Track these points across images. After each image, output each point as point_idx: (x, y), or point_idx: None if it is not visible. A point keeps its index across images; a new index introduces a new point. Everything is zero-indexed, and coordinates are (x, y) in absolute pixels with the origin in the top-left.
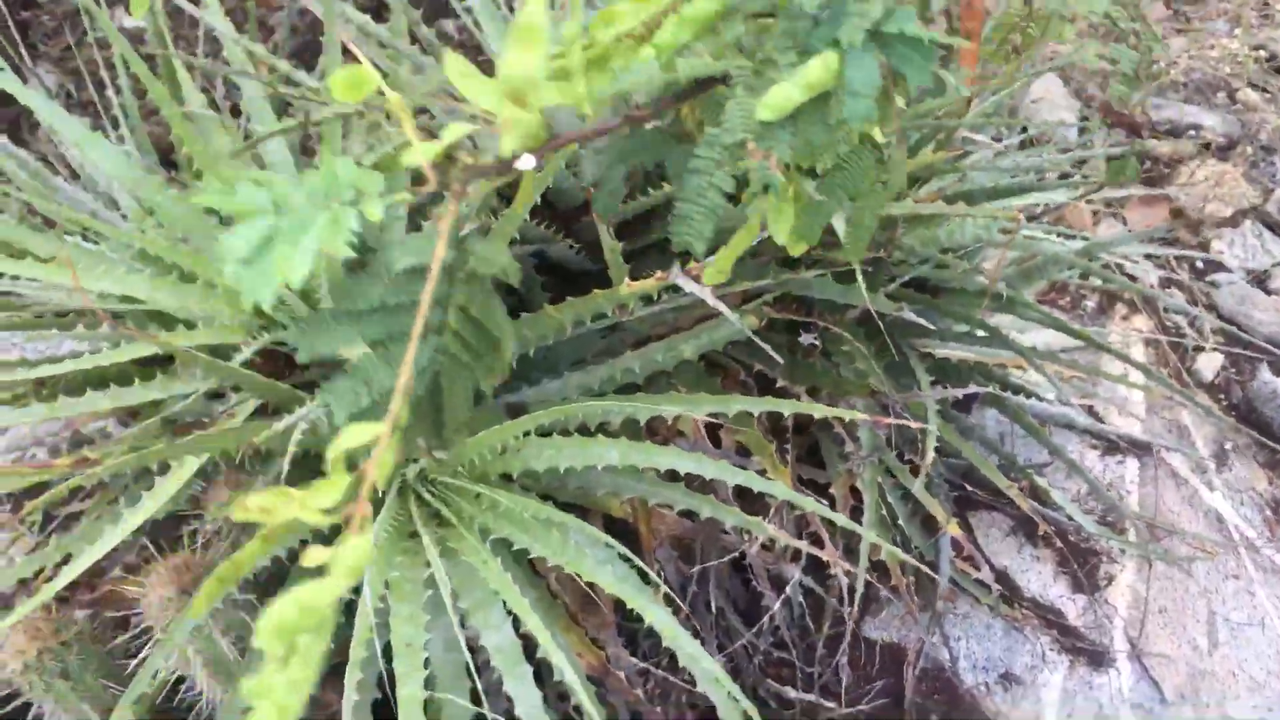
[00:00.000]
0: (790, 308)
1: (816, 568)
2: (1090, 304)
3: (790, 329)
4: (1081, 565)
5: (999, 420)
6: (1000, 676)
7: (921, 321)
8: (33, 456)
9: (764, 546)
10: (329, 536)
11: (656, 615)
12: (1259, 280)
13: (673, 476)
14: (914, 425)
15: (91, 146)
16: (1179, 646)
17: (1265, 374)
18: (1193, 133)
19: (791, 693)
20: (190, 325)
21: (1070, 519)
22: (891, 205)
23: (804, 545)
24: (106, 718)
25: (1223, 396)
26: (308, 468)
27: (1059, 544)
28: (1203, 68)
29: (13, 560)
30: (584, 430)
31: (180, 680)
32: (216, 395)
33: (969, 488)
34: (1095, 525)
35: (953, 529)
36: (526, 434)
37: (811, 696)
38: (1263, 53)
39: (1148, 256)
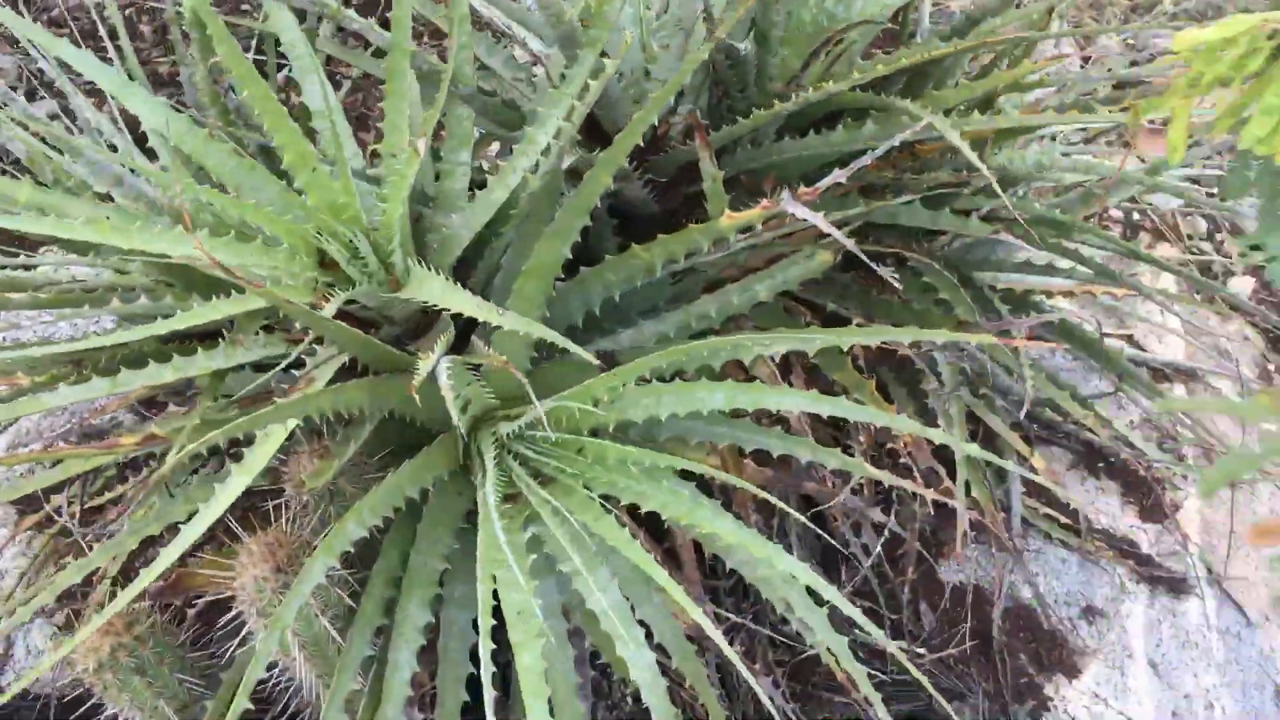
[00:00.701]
0: (867, 240)
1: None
2: (1113, 233)
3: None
4: (1146, 495)
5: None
6: (1083, 610)
7: (1012, 241)
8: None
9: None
10: (418, 503)
11: (798, 569)
12: None
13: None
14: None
15: (132, 98)
16: (1256, 569)
17: None
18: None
19: (880, 641)
20: (240, 290)
21: (1132, 447)
22: (980, 120)
23: (916, 485)
24: (186, 715)
25: (1257, 319)
26: (391, 430)
27: (1124, 473)
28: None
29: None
30: (661, 378)
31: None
32: (262, 367)
33: (1025, 422)
34: (1160, 453)
35: (1037, 461)
36: (625, 385)
37: (902, 644)
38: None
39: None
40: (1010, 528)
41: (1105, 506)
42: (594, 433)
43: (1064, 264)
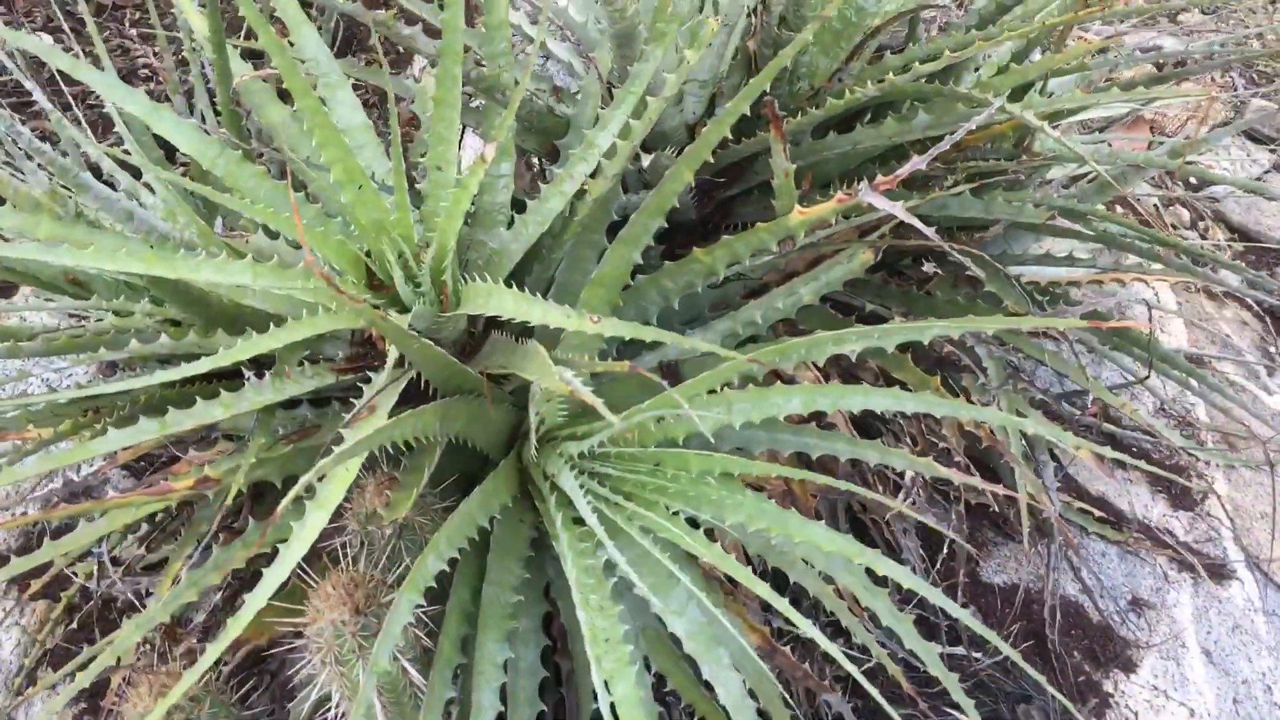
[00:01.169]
0: (908, 237)
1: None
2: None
3: (899, 257)
4: (1174, 483)
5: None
6: (1130, 603)
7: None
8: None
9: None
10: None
11: (899, 573)
12: (1256, 189)
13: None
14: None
15: (160, 120)
16: None
17: None
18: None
19: (938, 647)
20: (280, 320)
21: (1151, 436)
22: (1042, 102)
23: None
24: None
25: (1251, 304)
26: (447, 459)
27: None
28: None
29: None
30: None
31: None
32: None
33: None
34: (1183, 440)
35: (1086, 455)
36: (694, 396)
37: (960, 649)
38: None
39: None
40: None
41: (1137, 496)
42: (668, 444)
43: (1081, 254)
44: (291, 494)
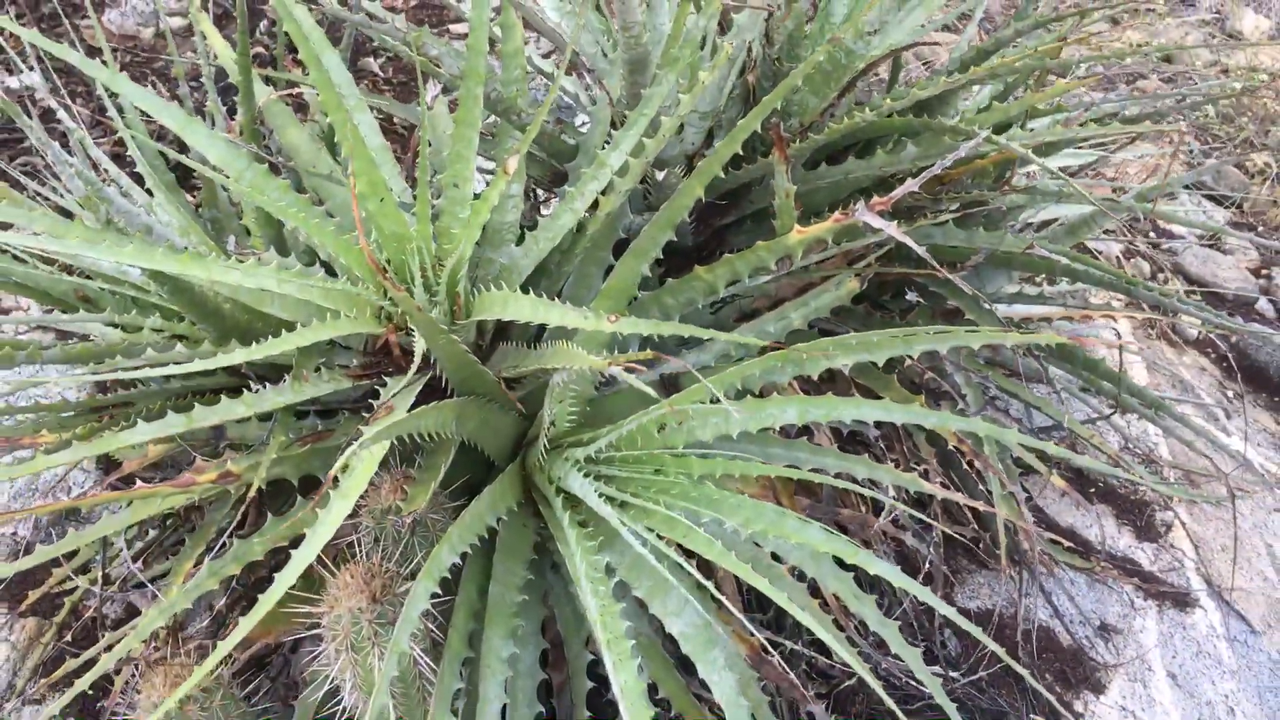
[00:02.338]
0: (894, 267)
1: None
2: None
3: (881, 291)
4: (1139, 516)
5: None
6: (1099, 628)
7: (1047, 257)
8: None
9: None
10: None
11: (891, 572)
12: (1212, 244)
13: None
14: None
15: (194, 133)
16: (1251, 579)
17: (1248, 323)
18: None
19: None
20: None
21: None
22: (1024, 135)
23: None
24: None
25: (1210, 350)
26: (466, 460)
27: (1114, 497)
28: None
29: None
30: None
31: None
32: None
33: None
34: (1152, 477)
35: (1058, 481)
36: (695, 403)
37: (936, 669)
38: (1153, 43)
39: (1107, 231)
40: (1030, 547)
41: (1103, 529)
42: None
43: (1051, 292)
44: (337, 465)
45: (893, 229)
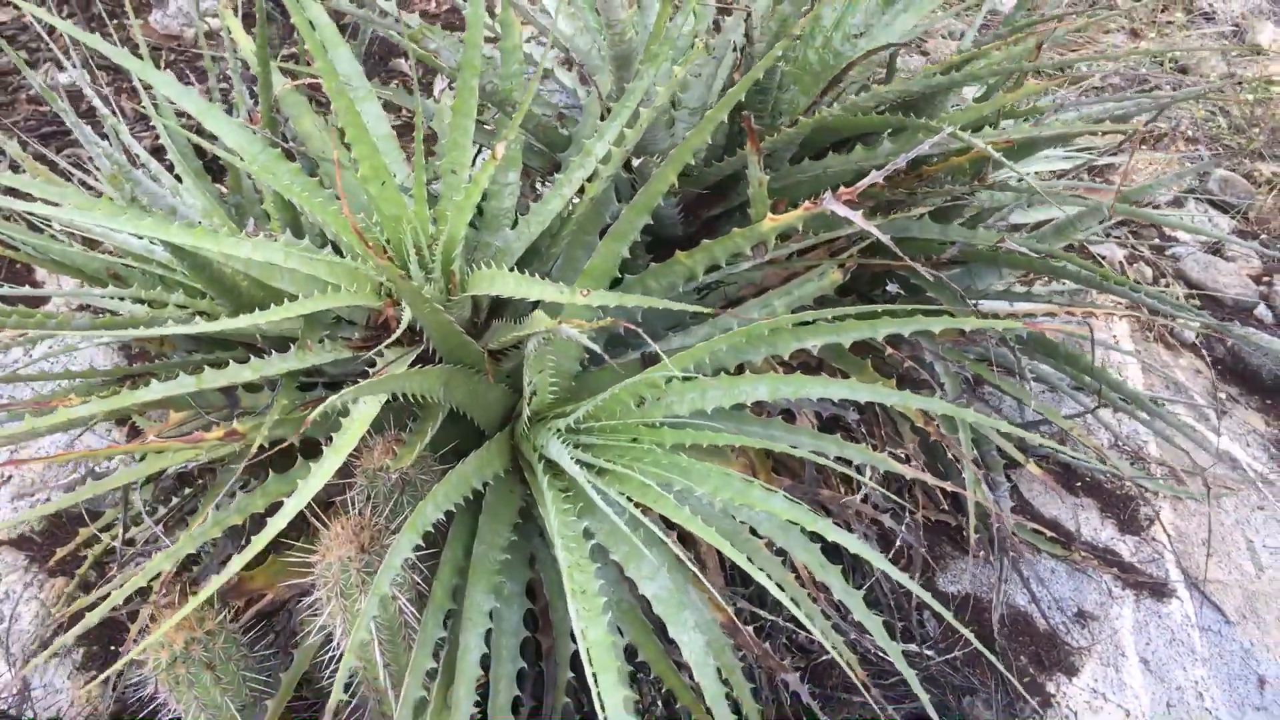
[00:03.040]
0: (875, 259)
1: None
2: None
3: (870, 284)
4: (1122, 509)
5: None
6: (1075, 614)
7: (1024, 253)
8: (47, 499)
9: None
10: (475, 501)
11: (848, 540)
12: (1214, 250)
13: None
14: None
15: (212, 119)
16: (1229, 573)
17: (1244, 328)
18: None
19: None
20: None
21: (1104, 466)
22: (993, 133)
23: (934, 479)
24: (245, 716)
25: (1206, 354)
26: (448, 430)
27: (1099, 491)
28: (1115, 70)
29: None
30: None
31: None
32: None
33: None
34: (1135, 471)
35: (1034, 469)
36: (669, 380)
37: (913, 646)
38: (1168, 55)
39: (1109, 235)
40: (1004, 533)
41: (1086, 521)
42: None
43: (1040, 290)
44: (315, 412)
45: (857, 217)
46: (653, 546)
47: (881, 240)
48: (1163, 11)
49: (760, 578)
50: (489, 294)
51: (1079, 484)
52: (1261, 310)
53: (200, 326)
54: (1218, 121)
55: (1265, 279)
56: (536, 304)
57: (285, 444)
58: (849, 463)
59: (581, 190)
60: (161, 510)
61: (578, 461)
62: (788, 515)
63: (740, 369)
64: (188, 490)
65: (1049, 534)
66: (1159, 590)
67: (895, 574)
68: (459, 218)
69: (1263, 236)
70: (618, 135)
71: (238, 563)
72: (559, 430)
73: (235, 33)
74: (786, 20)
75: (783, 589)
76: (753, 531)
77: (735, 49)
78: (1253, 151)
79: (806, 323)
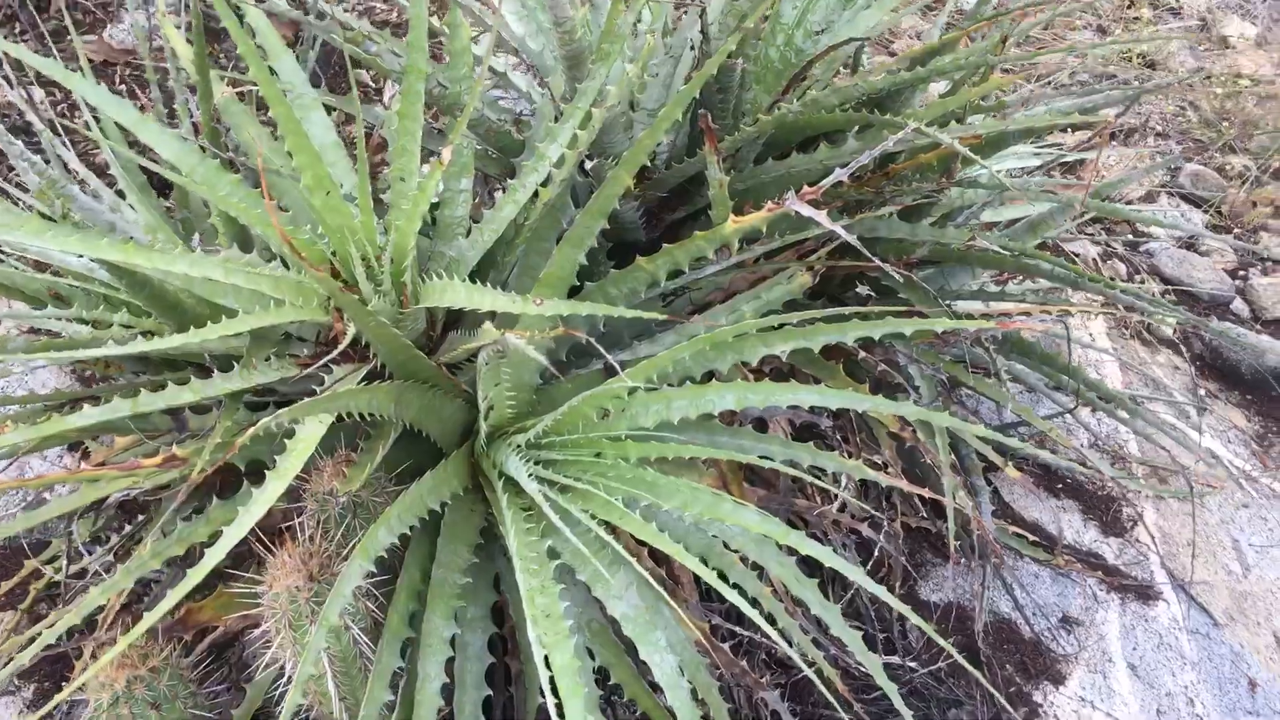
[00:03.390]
0: (844, 260)
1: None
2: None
3: (842, 287)
4: (1105, 511)
5: None
6: (1060, 620)
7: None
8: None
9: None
10: (432, 521)
11: (822, 553)
12: (1188, 245)
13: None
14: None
15: (146, 131)
16: (1215, 573)
17: (1221, 323)
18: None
19: (876, 657)
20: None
21: (1085, 468)
22: (959, 129)
23: (910, 485)
24: None
25: (1184, 350)
26: (403, 448)
27: (1080, 492)
28: (1084, 68)
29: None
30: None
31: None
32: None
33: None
34: (1116, 471)
35: (1012, 472)
36: (632, 391)
37: (895, 659)
38: (1134, 50)
39: (1082, 232)
40: (985, 538)
41: (1069, 523)
42: (612, 441)
43: (1014, 289)
44: (250, 431)
45: (822, 217)
46: (620, 565)
47: (848, 241)
48: (1129, 7)
49: (733, 596)
50: (442, 305)
51: (1060, 486)
52: (1238, 305)
53: (138, 346)
54: (1187, 116)
55: (1240, 273)
56: (494, 314)
57: (228, 468)
58: (824, 471)
59: (536, 195)
60: (116, 539)
61: (537, 479)
62: (760, 529)
63: (709, 377)
64: (141, 517)
65: (1031, 538)
66: (1145, 593)
67: (872, 587)
68: (408, 226)
69: (1236, 230)
70: (570, 137)
71: (173, 597)
72: (518, 446)
73: (175, 42)
74: (744, 16)
75: (759, 605)
76: (726, 545)
77: (693, 47)
78: (1224, 145)
79: (773, 328)
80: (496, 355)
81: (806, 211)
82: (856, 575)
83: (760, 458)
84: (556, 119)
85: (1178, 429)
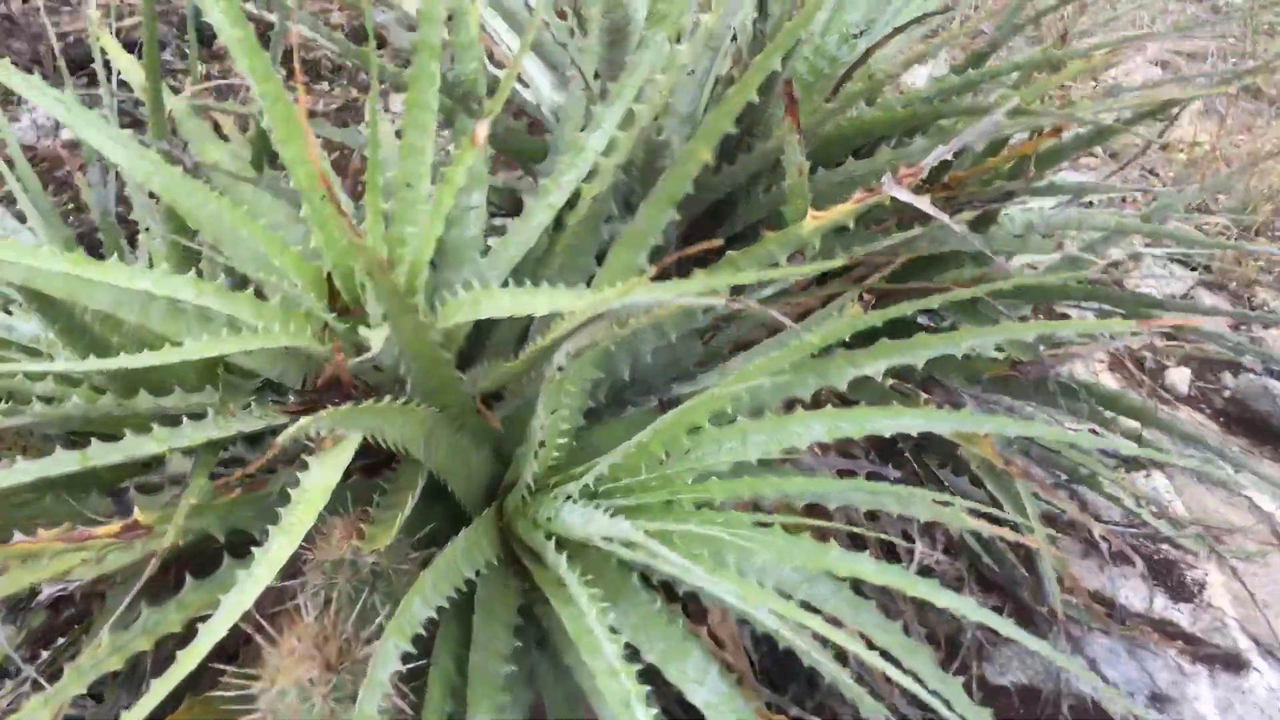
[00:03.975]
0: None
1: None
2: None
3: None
4: (1168, 575)
5: None
6: (1149, 698)
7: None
8: None
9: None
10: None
11: (988, 615)
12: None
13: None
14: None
15: (115, 146)
16: None
17: (1245, 374)
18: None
19: None
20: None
21: (1143, 525)
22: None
23: (1005, 533)
24: None
25: (1204, 406)
26: (433, 506)
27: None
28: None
29: None
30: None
31: None
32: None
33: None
34: (1174, 531)
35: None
36: (693, 430)
37: None
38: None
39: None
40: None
41: (1134, 590)
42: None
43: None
44: (288, 434)
45: (924, 203)
46: (692, 643)
47: (952, 228)
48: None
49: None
50: (473, 320)
51: (1109, 550)
52: (1249, 359)
53: (60, 367)
54: (1150, 180)
55: (1241, 328)
56: (524, 338)
57: (202, 544)
58: (910, 520)
59: (572, 202)
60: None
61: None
62: (881, 580)
63: (789, 407)
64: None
65: (1097, 609)
66: (1232, 662)
67: (1019, 635)
68: (431, 229)
69: (1232, 285)
70: (624, 115)
71: (147, 702)
72: (571, 496)
73: (118, 60)
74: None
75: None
76: (806, 606)
77: (735, 38)
78: (1198, 206)
79: (860, 345)
80: (572, 358)
81: (905, 197)
82: (1005, 625)
83: (839, 507)
84: (587, 118)
85: (1231, 483)
